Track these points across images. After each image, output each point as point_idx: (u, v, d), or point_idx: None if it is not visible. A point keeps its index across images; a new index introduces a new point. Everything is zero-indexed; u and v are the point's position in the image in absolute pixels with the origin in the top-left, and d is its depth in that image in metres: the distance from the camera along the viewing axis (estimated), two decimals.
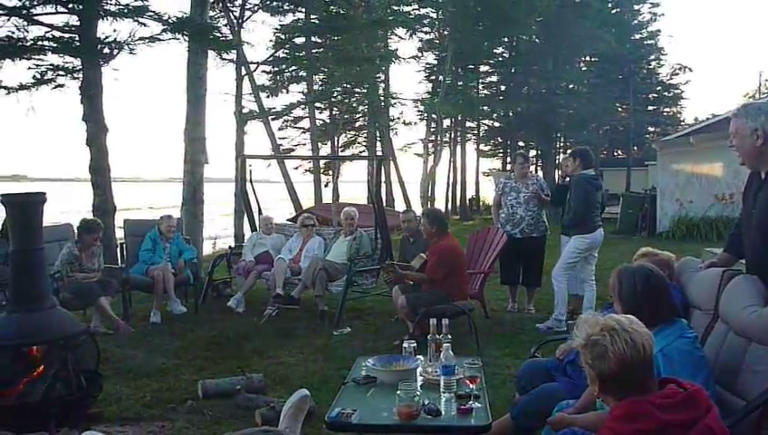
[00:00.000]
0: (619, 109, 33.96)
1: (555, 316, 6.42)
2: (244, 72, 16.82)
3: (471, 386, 3.04)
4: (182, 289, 7.47)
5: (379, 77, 25.35)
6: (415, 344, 3.59)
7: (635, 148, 33.67)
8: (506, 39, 28.96)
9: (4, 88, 8.39)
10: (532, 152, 31.00)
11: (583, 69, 32.12)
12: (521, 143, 31.25)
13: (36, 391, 3.48)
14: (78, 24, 8.38)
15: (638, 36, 32.42)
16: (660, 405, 1.85)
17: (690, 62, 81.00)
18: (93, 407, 3.96)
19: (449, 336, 3.47)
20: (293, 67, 22.22)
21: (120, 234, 8.06)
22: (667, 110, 37.42)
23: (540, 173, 27.79)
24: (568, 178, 6.75)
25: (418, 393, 2.89)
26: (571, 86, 30.18)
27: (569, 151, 7.18)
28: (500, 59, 31.14)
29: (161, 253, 7.26)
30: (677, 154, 17.20)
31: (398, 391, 2.83)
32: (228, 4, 15.51)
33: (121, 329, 6.33)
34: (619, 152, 37.10)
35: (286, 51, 21.61)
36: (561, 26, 25.35)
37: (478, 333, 5.78)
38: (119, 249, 7.76)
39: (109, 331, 6.32)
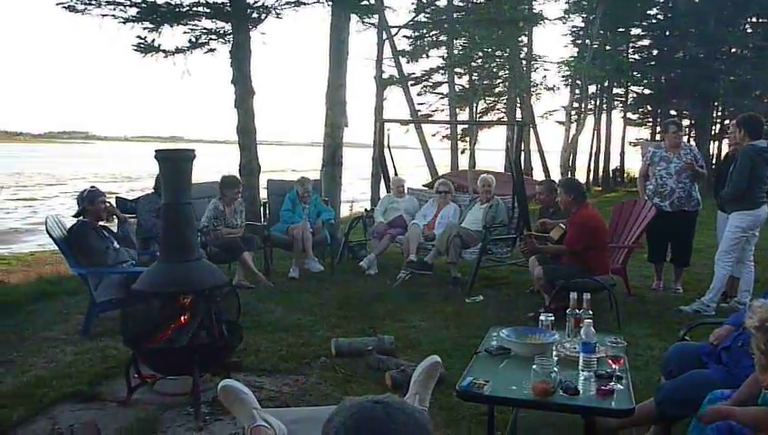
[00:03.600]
0: None
1: (705, 300, 5.93)
2: (385, 36, 16.87)
3: (614, 366, 2.85)
4: (319, 249, 7.68)
5: (522, 41, 24.53)
6: (552, 318, 3.42)
7: None
8: (661, 0, 26.99)
9: (163, 51, 8.90)
10: (686, 122, 28.86)
11: (749, 31, 29.27)
12: (673, 112, 29.16)
13: (182, 338, 3.67)
14: None
15: None
16: None
17: None
18: (233, 356, 4.14)
19: (590, 312, 3.27)
20: (434, 31, 22.03)
21: (263, 193, 8.40)
22: None
23: (693, 144, 25.87)
24: (732, 149, 6.15)
25: (555, 369, 2.74)
26: (733, 50, 27.65)
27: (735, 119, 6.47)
28: (653, 21, 29.05)
29: (300, 213, 7.49)
30: None
31: (534, 366, 2.69)
32: None
33: (263, 283, 6.66)
34: None
35: (427, 15, 21.42)
36: None
37: (619, 310, 5.47)
38: (261, 208, 8.11)
39: (251, 285, 6.64)
